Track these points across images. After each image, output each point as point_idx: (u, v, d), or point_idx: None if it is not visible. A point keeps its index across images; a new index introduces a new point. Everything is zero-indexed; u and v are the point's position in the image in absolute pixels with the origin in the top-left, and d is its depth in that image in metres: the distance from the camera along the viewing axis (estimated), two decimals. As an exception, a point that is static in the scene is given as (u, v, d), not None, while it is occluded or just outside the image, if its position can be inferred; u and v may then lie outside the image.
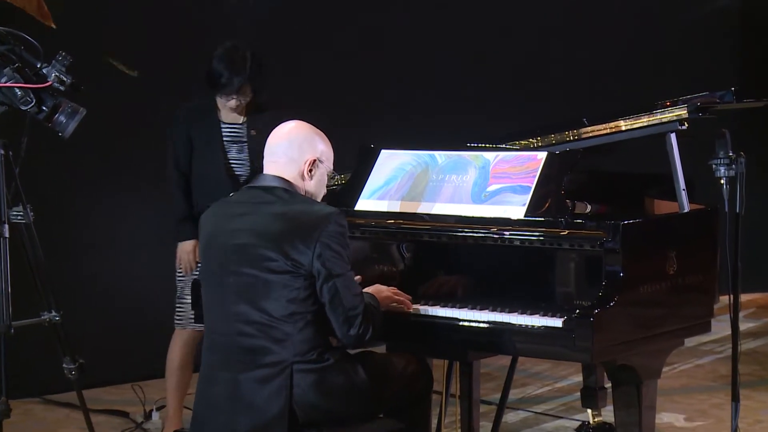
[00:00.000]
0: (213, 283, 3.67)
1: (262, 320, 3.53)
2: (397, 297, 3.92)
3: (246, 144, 5.10)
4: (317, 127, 3.80)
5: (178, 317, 5.16)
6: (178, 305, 5.16)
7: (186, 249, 5.09)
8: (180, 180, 5.10)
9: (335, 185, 4.53)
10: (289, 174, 3.69)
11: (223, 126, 5.10)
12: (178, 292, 5.15)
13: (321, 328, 3.57)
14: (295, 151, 3.69)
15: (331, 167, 3.80)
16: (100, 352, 5.82)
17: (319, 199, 3.76)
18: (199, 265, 4.96)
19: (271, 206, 3.61)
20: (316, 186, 3.75)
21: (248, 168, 5.10)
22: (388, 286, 3.97)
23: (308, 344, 3.54)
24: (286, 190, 3.65)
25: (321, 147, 3.75)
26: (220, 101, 5.08)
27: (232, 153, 5.10)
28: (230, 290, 3.58)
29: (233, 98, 5.02)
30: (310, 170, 3.71)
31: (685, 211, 4.09)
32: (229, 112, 5.10)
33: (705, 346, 7.25)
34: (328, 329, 3.59)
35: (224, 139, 5.09)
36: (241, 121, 5.13)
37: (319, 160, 3.73)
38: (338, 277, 3.53)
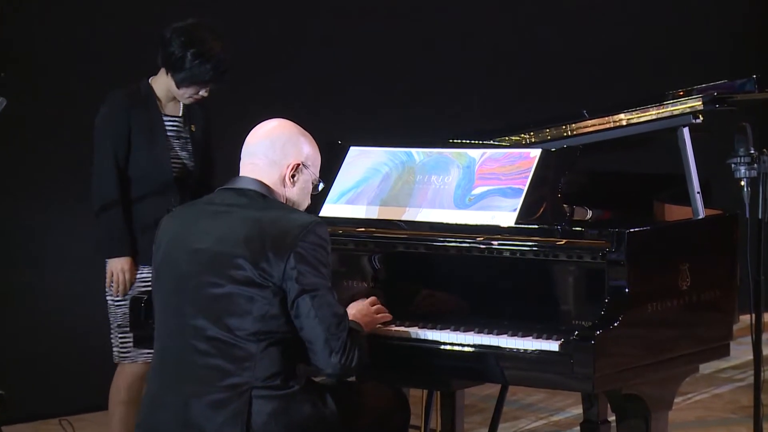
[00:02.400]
0: (170, 293, 3.65)
1: (222, 337, 3.52)
2: (381, 316, 3.93)
3: (189, 140, 5.02)
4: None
5: (123, 350, 4.94)
6: (121, 335, 4.93)
7: (123, 267, 4.91)
8: (119, 181, 4.90)
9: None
10: (269, 178, 3.70)
11: (165, 118, 4.99)
12: (119, 320, 4.93)
13: (288, 352, 3.57)
14: (277, 153, 3.70)
15: (317, 174, 3.80)
16: (24, 383, 5.80)
17: (302, 210, 3.77)
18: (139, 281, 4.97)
19: (243, 210, 3.62)
20: (298, 194, 3.76)
21: (192, 169, 5.00)
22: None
23: (273, 368, 3.53)
24: (262, 194, 3.66)
25: (307, 150, 3.76)
26: (180, 90, 4.91)
27: (177, 150, 4.99)
28: (189, 301, 3.58)
29: (206, 90, 4.93)
30: (293, 175, 3.72)
31: (700, 217, 4.10)
32: (168, 102, 4.99)
33: (723, 373, 7.28)
34: (297, 354, 3.58)
35: (168, 133, 4.98)
36: (180, 114, 5.04)
37: (304, 165, 3.74)
38: (315, 294, 3.52)
